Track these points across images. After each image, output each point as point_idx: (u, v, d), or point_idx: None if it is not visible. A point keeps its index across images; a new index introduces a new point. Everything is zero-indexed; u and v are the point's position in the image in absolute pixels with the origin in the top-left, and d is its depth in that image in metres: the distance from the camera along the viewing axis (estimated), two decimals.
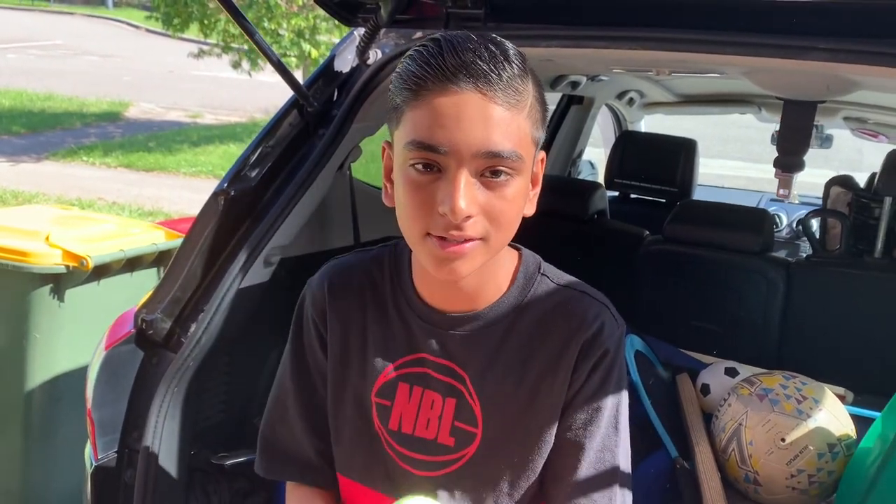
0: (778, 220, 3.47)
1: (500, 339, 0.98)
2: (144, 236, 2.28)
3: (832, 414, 1.51)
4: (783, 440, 1.48)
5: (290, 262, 1.58)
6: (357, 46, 1.58)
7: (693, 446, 1.59)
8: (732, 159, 9.00)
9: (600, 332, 0.96)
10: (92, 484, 1.43)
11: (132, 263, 2.23)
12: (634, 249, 2.19)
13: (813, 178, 3.92)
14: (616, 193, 3.27)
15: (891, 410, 1.37)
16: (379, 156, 0.96)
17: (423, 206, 0.85)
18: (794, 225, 3.40)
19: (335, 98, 1.60)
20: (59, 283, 2.07)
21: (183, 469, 1.46)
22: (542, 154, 0.94)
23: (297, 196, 1.51)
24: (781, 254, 2.66)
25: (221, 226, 1.46)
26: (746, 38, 1.30)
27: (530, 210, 0.94)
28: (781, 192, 2.12)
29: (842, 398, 1.74)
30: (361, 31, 1.57)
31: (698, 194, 3.11)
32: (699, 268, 2.07)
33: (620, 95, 3.33)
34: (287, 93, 1.58)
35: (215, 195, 1.46)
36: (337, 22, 1.65)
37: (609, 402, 0.98)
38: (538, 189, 0.95)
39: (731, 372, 1.77)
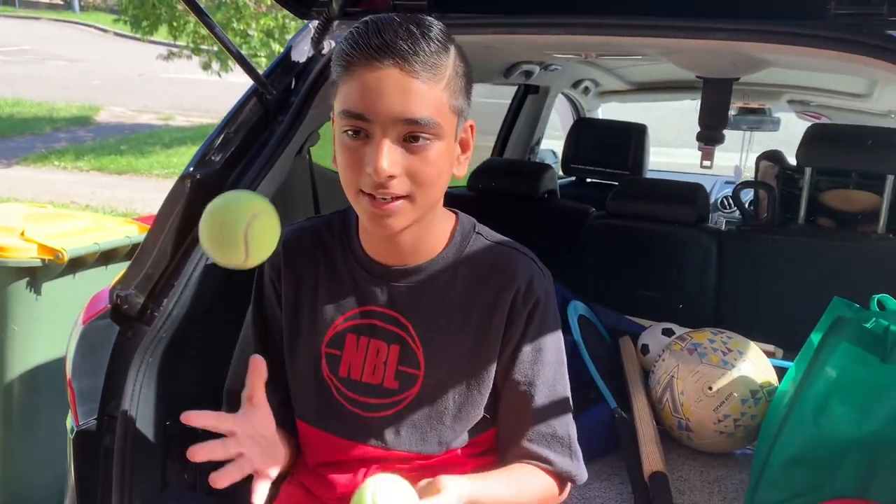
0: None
1: (442, 290, 1.10)
2: (118, 230, 2.31)
3: (755, 364, 1.65)
4: (710, 388, 1.62)
5: None
6: (312, 38, 1.68)
7: (631, 398, 1.73)
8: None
9: (531, 284, 1.09)
10: (73, 448, 1.49)
11: (107, 256, 2.26)
12: (581, 225, 2.31)
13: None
14: (573, 178, 3.41)
15: (802, 356, 1.52)
16: None
17: (354, 166, 0.98)
18: (726, 199, 3.58)
19: (293, 86, 1.70)
20: (36, 276, 2.10)
21: (160, 436, 1.52)
22: (471, 121, 1.06)
23: (258, 178, 1.60)
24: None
25: (188, 207, 1.54)
26: (661, 21, 1.44)
27: (460, 172, 1.07)
28: (705, 163, 2.27)
29: (771, 354, 1.88)
30: (316, 23, 1.69)
31: None
32: (640, 239, 2.19)
33: (575, 85, 3.45)
34: None
35: (182, 178, 1.55)
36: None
37: (549, 340, 1.11)
38: (469, 153, 1.08)
39: (667, 332, 1.89)
